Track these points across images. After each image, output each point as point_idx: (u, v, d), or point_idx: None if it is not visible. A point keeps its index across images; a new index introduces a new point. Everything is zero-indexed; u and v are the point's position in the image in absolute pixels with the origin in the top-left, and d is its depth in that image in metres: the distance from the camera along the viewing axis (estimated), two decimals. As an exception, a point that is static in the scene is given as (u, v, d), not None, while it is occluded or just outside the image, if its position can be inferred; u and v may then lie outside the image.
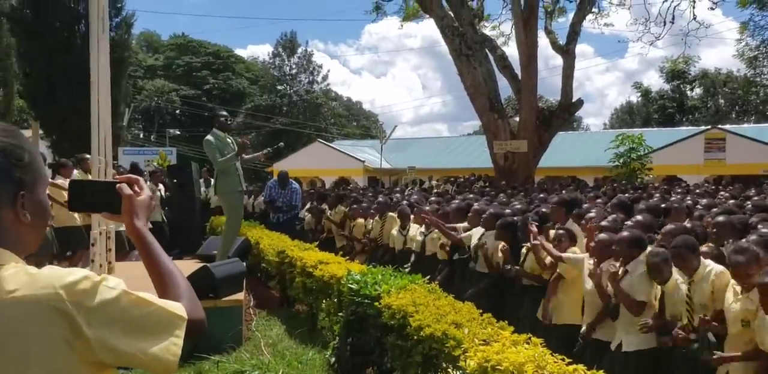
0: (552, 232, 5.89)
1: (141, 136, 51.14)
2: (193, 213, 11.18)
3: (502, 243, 5.95)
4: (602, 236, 5.01)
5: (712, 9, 20.89)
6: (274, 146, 8.66)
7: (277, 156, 30.16)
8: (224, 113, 8.10)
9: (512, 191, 13.68)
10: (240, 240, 8.62)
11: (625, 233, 4.82)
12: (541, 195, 10.43)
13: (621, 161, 19.78)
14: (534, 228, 5.53)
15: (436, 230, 7.38)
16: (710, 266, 4.23)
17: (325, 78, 53.31)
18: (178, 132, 47.21)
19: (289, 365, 5.62)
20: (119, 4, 20.43)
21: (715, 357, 3.80)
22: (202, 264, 6.61)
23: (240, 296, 6.53)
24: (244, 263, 7.28)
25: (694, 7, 21.34)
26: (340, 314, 5.47)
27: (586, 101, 17.83)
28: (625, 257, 4.72)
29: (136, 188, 1.51)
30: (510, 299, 6.08)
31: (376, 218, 9.16)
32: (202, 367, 5.49)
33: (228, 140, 7.44)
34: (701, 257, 4.29)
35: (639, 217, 5.82)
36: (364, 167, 31.40)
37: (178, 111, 51.25)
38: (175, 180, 11.20)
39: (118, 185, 1.48)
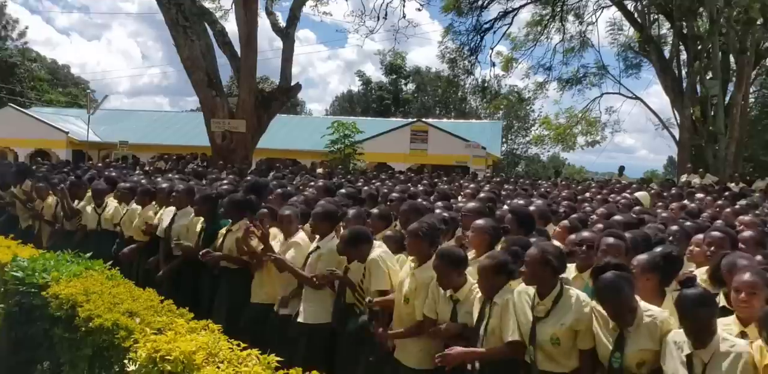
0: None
1: None
2: None
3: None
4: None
5: (419, 10, 22.86)
6: None
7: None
8: None
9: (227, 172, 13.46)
10: None
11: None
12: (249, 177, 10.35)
13: (336, 147, 20.71)
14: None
15: (127, 209, 6.97)
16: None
17: (22, 35, 47.04)
18: None
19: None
20: None
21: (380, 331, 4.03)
22: None
23: None
24: None
25: (404, 6, 23.13)
26: (2, 305, 4.76)
27: (310, 87, 18.46)
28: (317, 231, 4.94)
29: None
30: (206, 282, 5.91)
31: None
32: None
33: None
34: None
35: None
36: (68, 139, 28.23)
37: None
38: None
39: None
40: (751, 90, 25.28)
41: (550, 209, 6.21)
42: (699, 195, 10.05)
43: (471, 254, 4.23)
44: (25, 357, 4.73)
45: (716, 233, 4.28)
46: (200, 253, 5.55)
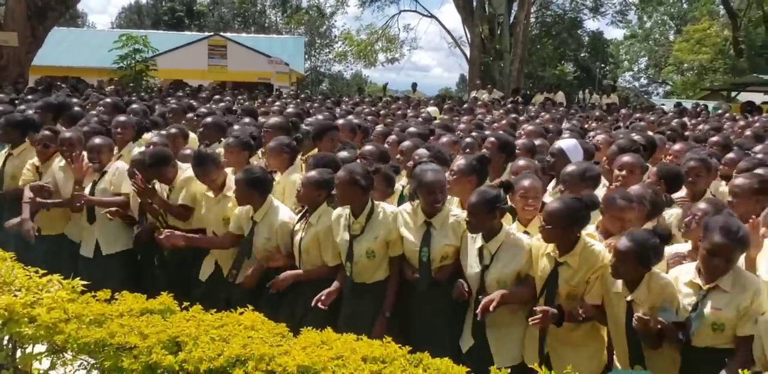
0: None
1: None
2: None
3: None
4: None
5: None
6: None
7: None
8: None
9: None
10: None
11: None
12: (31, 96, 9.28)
13: (126, 63, 19.09)
14: None
15: None
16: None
17: None
18: None
19: None
20: None
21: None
22: None
23: None
24: None
25: None
26: None
27: None
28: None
29: None
30: None
31: None
32: None
33: None
34: None
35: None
36: None
37: None
38: None
39: None
40: (532, 10, 27.22)
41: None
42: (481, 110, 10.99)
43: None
44: None
45: (492, 140, 4.85)
46: None
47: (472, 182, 3.71)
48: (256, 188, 3.76)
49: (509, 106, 12.77)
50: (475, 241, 3.39)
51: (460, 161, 3.84)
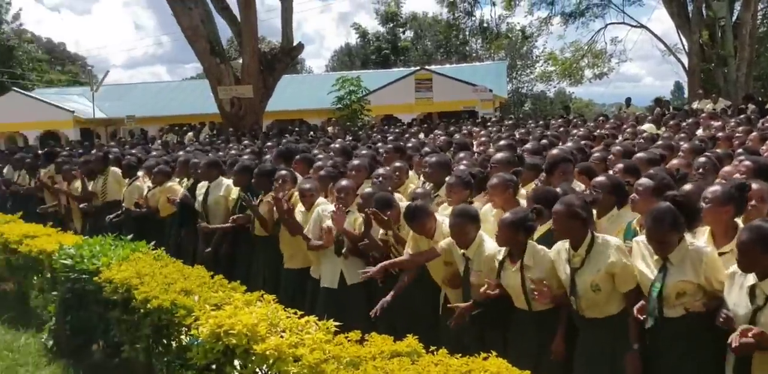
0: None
1: None
2: None
3: None
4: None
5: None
6: None
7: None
8: None
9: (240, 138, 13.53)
10: None
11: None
12: (269, 144, 10.39)
13: (342, 103, 20.56)
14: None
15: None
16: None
17: (16, 17, 46.23)
18: None
19: (-2, 355, 4.97)
20: None
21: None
22: None
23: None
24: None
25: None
26: (55, 293, 4.93)
27: (306, 43, 17.96)
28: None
29: None
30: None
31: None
32: None
33: None
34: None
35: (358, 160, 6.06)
36: (74, 118, 28.15)
37: None
38: None
39: None
40: (759, 7, 24.58)
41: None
42: (715, 123, 9.94)
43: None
44: (82, 339, 4.95)
45: (747, 163, 4.25)
46: (231, 218, 5.76)
47: (728, 213, 3.36)
48: (519, 229, 3.68)
49: (742, 116, 11.45)
50: (745, 277, 3.01)
51: (714, 188, 3.47)
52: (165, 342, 3.84)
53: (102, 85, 28.30)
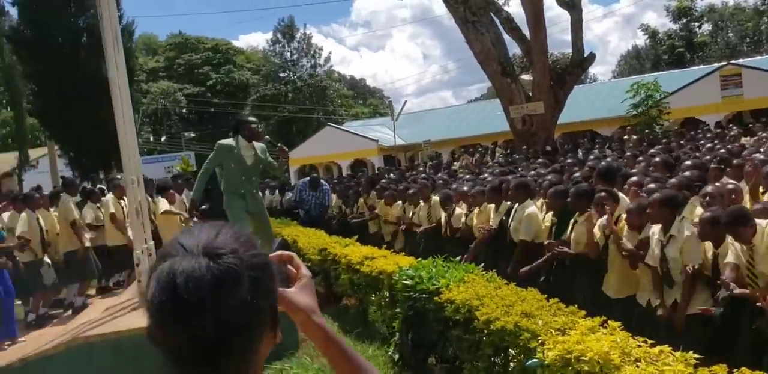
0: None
1: (151, 139, 51.26)
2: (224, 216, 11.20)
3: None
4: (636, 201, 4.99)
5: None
6: (270, 141, 7.66)
7: (289, 145, 30.08)
8: (252, 119, 7.18)
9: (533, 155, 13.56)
10: (277, 241, 8.58)
11: (656, 195, 4.70)
12: (570, 160, 10.23)
13: (639, 110, 19.40)
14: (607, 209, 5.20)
15: (477, 209, 7.41)
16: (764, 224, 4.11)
17: (327, 60, 52.65)
18: (193, 135, 47.31)
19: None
20: (119, 13, 20.34)
21: None
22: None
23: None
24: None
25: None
26: (397, 310, 5.42)
27: (589, 50, 17.23)
28: (660, 220, 4.61)
29: (291, 268, 1.16)
30: (562, 273, 6.01)
31: (422, 202, 8.91)
32: (267, 377, 5.50)
33: (253, 149, 6.91)
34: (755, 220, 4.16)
35: (687, 173, 5.68)
36: (378, 147, 31.15)
37: (184, 111, 51.21)
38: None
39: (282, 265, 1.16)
40: None
41: None
42: None
43: None
44: (422, 354, 5.35)
45: None
46: (545, 243, 5.75)
47: None
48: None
49: None
50: None
51: None
52: (502, 362, 3.97)
53: (401, 114, 30.79)
